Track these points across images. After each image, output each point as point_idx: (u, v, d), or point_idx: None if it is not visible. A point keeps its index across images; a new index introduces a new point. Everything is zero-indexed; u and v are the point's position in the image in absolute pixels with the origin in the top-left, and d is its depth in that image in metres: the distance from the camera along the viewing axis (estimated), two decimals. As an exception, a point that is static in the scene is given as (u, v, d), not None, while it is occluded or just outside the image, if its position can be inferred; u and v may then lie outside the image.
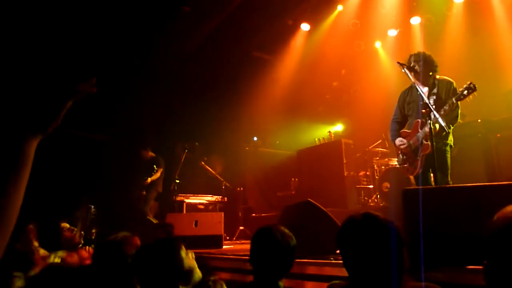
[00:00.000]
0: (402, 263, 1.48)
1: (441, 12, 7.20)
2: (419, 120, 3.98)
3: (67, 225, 3.61)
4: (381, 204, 6.28)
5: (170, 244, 1.85)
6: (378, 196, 6.45)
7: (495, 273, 1.16)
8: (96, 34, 6.82)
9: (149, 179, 6.78)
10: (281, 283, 1.93)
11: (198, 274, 1.87)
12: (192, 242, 4.72)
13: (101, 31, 6.82)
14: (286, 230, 2.04)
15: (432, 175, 3.94)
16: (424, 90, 3.90)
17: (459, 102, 3.75)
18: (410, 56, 4.10)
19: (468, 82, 3.60)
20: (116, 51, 7.19)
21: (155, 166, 6.84)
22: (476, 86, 3.59)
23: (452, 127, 3.92)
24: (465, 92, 3.60)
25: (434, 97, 3.89)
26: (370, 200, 6.70)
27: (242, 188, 7.98)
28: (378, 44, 8.36)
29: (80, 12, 6.34)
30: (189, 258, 1.84)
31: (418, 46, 7.28)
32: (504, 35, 6.44)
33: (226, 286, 2.04)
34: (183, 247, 1.85)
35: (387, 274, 1.42)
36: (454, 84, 4.02)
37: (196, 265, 1.89)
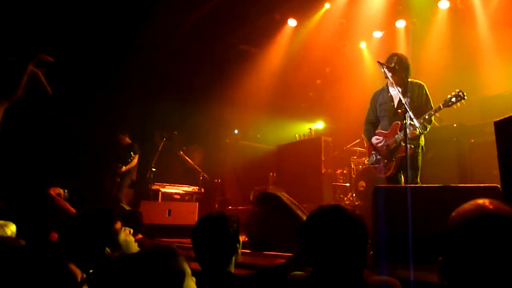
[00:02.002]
0: (365, 257, 1.49)
1: (426, 17, 7.30)
2: (399, 122, 4.03)
3: None
4: (357, 203, 6.37)
5: (103, 214, 1.89)
6: (354, 194, 6.52)
7: (449, 269, 1.17)
8: (78, 18, 6.66)
9: (124, 168, 6.69)
10: (231, 269, 1.92)
11: (134, 247, 1.92)
12: (165, 231, 4.69)
13: (84, 15, 6.67)
14: (231, 214, 2.03)
15: (402, 176, 4.02)
16: (399, 90, 3.97)
17: (433, 106, 3.83)
18: (393, 55, 4.14)
19: (457, 90, 3.65)
20: (99, 35, 7.05)
21: (132, 153, 6.74)
22: (465, 95, 3.64)
23: (428, 129, 3.99)
24: (454, 99, 3.65)
25: (408, 99, 3.96)
26: (345, 198, 6.78)
27: (220, 180, 7.95)
28: (363, 45, 8.41)
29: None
30: (125, 232, 1.91)
31: (402, 48, 7.38)
32: (484, 44, 6.58)
33: (195, 276, 2.02)
34: (119, 222, 1.91)
35: (348, 266, 1.43)
36: (425, 87, 4.11)
37: (132, 240, 1.93)
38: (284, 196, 3.77)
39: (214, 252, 1.90)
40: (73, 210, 2.64)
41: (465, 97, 3.63)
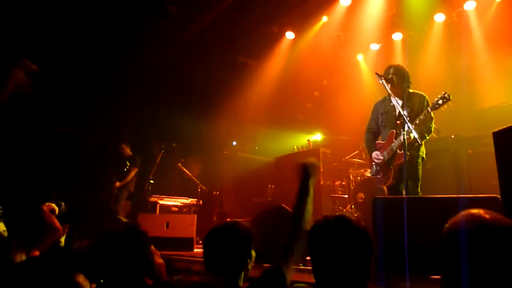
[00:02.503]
0: (369, 269, 1.47)
1: (422, 29, 7.39)
2: (394, 131, 4.06)
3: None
4: (356, 215, 6.34)
5: (138, 234, 1.74)
6: (353, 206, 6.50)
7: (448, 284, 1.15)
8: (78, 27, 6.70)
9: (118, 183, 6.68)
10: (240, 283, 1.89)
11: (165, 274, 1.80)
12: (163, 244, 4.64)
13: (84, 24, 6.72)
14: (245, 224, 1.99)
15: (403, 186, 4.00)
16: (398, 102, 3.99)
17: (433, 115, 3.85)
18: (390, 67, 4.18)
19: (443, 92, 3.69)
20: (97, 48, 7.09)
21: (127, 162, 6.72)
22: (451, 97, 3.68)
23: (427, 138, 4.00)
24: (440, 101, 3.69)
25: (408, 109, 3.98)
26: (344, 210, 6.74)
27: (218, 192, 7.91)
28: (360, 57, 8.49)
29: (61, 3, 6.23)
30: (157, 254, 1.78)
31: (399, 61, 7.40)
32: (480, 56, 6.65)
33: (195, 289, 1.99)
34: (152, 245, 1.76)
35: (352, 278, 1.41)
36: (427, 97, 4.13)
37: (163, 263, 1.82)
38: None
39: (225, 263, 1.85)
40: (60, 227, 2.60)
41: (451, 99, 3.66)
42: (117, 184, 6.69)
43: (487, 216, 1.17)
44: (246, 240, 1.95)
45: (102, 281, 1.54)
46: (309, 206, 2.04)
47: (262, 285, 1.82)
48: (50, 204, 3.40)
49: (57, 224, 2.91)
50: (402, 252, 2.53)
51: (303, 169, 2.11)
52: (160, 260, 1.82)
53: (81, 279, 1.31)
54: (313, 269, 1.46)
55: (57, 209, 3.46)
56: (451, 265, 1.14)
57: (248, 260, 1.93)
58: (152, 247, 1.76)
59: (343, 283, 1.38)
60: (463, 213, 1.23)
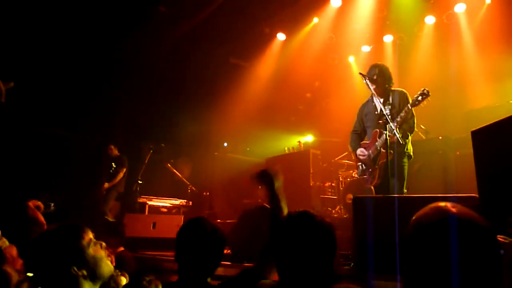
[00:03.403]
0: (332, 266, 1.44)
1: (413, 32, 7.43)
2: (377, 130, 4.07)
3: None
4: (345, 216, 6.33)
5: (71, 229, 1.73)
6: (342, 207, 6.50)
7: (410, 278, 1.13)
8: (68, 28, 6.68)
9: (107, 184, 6.62)
10: (209, 280, 1.88)
11: (108, 266, 1.76)
12: (149, 244, 4.62)
13: (74, 25, 6.69)
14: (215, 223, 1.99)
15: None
16: (381, 102, 4.00)
17: (414, 112, 3.87)
18: (375, 67, 4.19)
19: (422, 89, 3.73)
20: (87, 48, 7.06)
21: (113, 164, 6.68)
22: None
23: (410, 136, 4.02)
24: (419, 98, 3.74)
25: (389, 106, 4.00)
26: (334, 211, 6.74)
27: (208, 193, 7.88)
28: (351, 59, 8.50)
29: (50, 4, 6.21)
30: (96, 248, 1.74)
31: (390, 63, 7.46)
32: (469, 58, 6.70)
33: (171, 287, 1.98)
34: (91, 236, 1.74)
35: (314, 274, 1.39)
36: (408, 94, 4.17)
37: (104, 256, 1.78)
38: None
39: (200, 259, 1.85)
40: (44, 222, 2.59)
41: (430, 94, 3.70)
42: (106, 185, 6.64)
43: (454, 209, 1.15)
44: (223, 237, 1.95)
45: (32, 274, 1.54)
46: (285, 209, 2.04)
47: (234, 284, 1.81)
48: (36, 201, 3.38)
49: (41, 218, 2.89)
50: (386, 251, 2.52)
51: (263, 177, 2.11)
52: (100, 253, 1.76)
53: (9, 269, 1.29)
54: (276, 266, 1.44)
55: (42, 206, 3.43)
56: (414, 258, 1.13)
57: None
58: (90, 237, 1.74)
59: (306, 280, 1.36)
60: (431, 205, 1.21)
